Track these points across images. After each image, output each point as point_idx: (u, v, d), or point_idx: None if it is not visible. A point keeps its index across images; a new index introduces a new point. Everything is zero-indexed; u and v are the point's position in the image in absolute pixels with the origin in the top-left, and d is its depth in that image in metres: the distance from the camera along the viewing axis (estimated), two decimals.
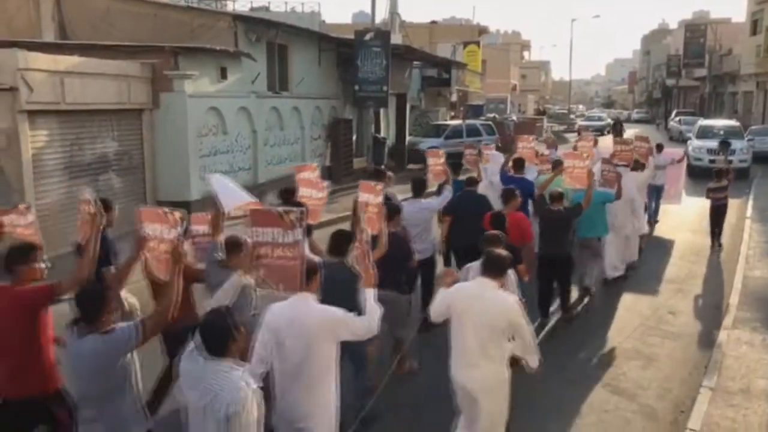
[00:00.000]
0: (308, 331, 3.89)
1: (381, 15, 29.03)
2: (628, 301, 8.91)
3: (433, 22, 46.92)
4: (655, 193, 12.56)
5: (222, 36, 14.20)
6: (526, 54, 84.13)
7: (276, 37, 15.97)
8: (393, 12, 26.83)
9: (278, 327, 3.93)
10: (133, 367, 3.72)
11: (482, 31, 46.70)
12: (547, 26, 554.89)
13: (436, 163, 8.67)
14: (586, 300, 8.73)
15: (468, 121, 26.82)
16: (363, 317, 4.01)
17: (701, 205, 15.16)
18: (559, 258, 7.56)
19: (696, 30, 49.35)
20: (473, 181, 8.46)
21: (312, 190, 6.81)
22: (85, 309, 3.54)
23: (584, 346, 7.06)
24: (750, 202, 15.35)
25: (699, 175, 19.12)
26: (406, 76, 25.05)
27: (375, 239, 5.14)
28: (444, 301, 4.52)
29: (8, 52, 9.64)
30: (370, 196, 5.89)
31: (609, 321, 8.05)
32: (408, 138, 25.17)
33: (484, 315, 4.30)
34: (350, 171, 18.98)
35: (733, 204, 14.39)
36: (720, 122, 25.23)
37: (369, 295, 4.08)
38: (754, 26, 34.03)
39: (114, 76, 11.48)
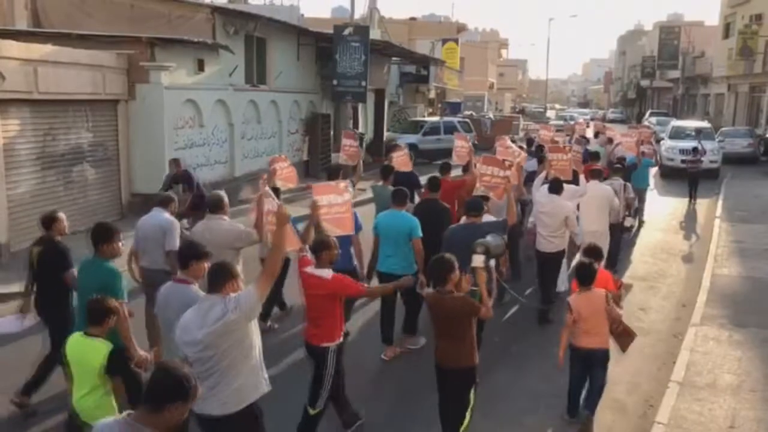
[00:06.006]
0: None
1: (360, 10, 28.95)
2: None
3: (413, 19, 46.99)
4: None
5: (200, 28, 14.05)
6: (504, 52, 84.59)
7: (254, 30, 15.87)
8: (372, 7, 26.76)
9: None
10: None
11: (461, 28, 46.88)
12: (525, 25, 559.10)
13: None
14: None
15: (446, 118, 26.97)
16: None
17: (673, 206, 15.68)
18: None
19: (670, 32, 50.12)
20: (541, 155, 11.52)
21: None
22: None
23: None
24: (719, 203, 15.63)
25: (670, 176, 19.51)
26: (384, 72, 25.05)
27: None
28: (581, 194, 8.53)
29: None
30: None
31: None
32: (386, 134, 25.20)
33: (601, 197, 8.79)
34: (327, 166, 18.91)
35: (702, 204, 14.97)
36: (692, 123, 25.69)
37: None
38: (727, 30, 34.66)
39: (89, 66, 11.31)
